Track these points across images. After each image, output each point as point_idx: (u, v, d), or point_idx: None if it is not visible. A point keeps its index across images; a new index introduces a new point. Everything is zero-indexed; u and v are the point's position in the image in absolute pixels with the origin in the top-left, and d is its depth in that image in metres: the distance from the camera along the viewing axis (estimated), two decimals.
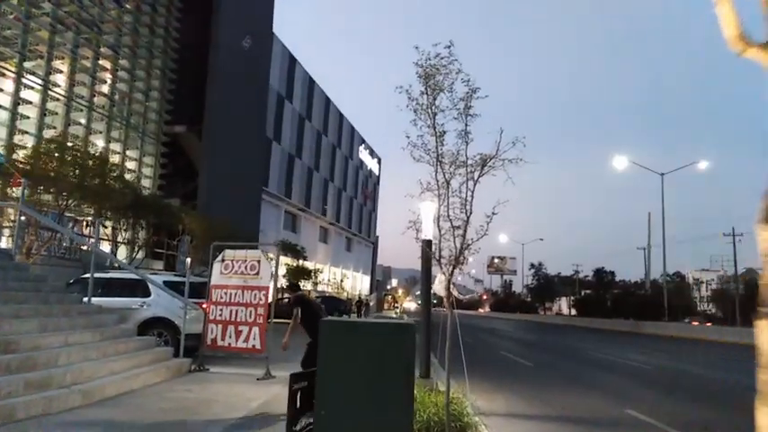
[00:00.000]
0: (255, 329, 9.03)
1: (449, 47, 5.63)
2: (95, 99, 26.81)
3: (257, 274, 9.24)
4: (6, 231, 17.32)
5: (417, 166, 5.74)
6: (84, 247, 19.10)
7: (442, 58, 5.64)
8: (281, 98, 50.37)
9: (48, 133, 23.49)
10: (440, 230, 5.41)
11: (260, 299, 9.11)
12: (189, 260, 22.73)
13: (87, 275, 10.59)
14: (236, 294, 9.25)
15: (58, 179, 14.49)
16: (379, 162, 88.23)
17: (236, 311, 9.19)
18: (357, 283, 77.35)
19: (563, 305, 74.71)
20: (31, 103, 22.95)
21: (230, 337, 9.16)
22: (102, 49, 27.14)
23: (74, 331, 7.83)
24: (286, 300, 24.01)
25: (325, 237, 66.13)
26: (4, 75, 21.75)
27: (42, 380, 6.01)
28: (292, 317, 7.03)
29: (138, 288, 10.75)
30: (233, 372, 9.34)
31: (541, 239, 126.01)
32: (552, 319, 64.28)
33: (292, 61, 52.88)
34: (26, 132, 22.72)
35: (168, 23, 31.87)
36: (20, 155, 15.73)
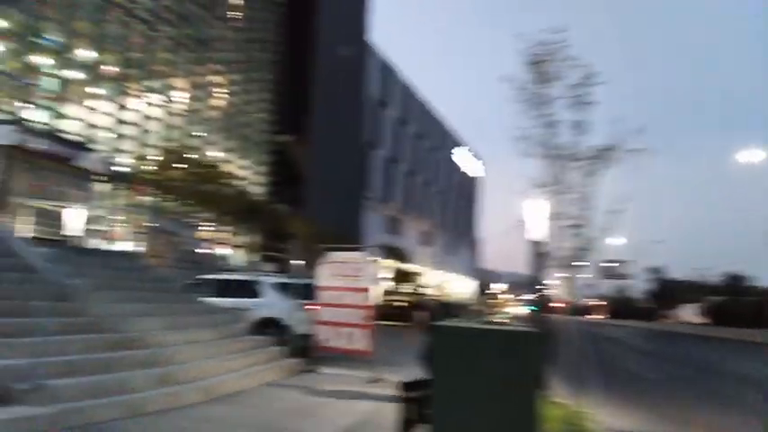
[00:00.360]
0: (361, 331, 8.93)
1: (559, 32, 5.14)
2: (210, 112, 28.65)
3: (361, 275, 9.16)
4: (134, 235, 18.90)
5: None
6: (203, 251, 20.36)
7: (551, 45, 5.17)
8: (380, 103, 51.03)
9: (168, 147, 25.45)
10: (554, 230, 4.92)
11: (364, 300, 9.01)
12: (298, 262, 23.49)
13: (205, 276, 11.09)
14: (341, 296, 9.23)
15: (179, 186, 15.50)
16: (481, 163, 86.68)
17: (343, 313, 9.15)
18: (460, 287, 76.40)
19: (687, 312, 68.55)
20: (154, 118, 24.93)
21: (338, 338, 9.14)
22: (213, 66, 28.96)
23: (194, 329, 8.17)
24: (394, 302, 24.21)
25: (426, 240, 66.01)
26: (129, 93, 23.80)
27: (167, 375, 6.24)
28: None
29: (252, 289, 11.10)
30: (342, 373, 9.31)
31: (661, 242, 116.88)
32: (676, 328, 59.21)
33: (389, 66, 53.41)
34: (151, 146, 24.73)
35: (272, 37, 33.38)
36: (146, 166, 17.14)
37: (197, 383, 6.46)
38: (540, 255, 7.15)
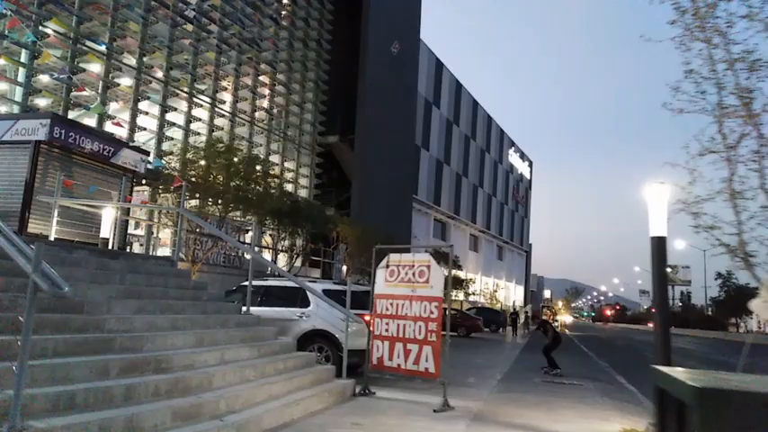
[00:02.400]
0: (427, 349, 7.52)
1: None
2: (256, 114, 27.96)
3: (427, 281, 7.75)
4: (173, 239, 18.17)
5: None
6: (245, 255, 19.44)
7: None
8: (429, 103, 49.60)
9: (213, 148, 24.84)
10: (737, 211, 3.41)
11: (431, 312, 7.59)
12: (345, 268, 22.31)
13: (246, 283, 9.97)
14: (403, 305, 7.85)
15: (223, 188, 14.67)
16: (531, 165, 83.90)
17: (404, 326, 7.78)
18: (510, 294, 73.80)
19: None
20: (201, 120, 24.36)
21: (399, 356, 7.76)
22: (261, 66, 28.28)
23: (231, 346, 6.98)
24: (454, 312, 22.68)
25: (475, 245, 63.95)
26: (177, 95, 23.29)
27: (193, 408, 5.01)
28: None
29: (297, 297, 9.89)
30: (403, 398, 7.93)
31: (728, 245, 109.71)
32: (747, 338, 54.67)
33: (439, 65, 51.94)
34: (197, 148, 24.13)
35: (320, 36, 32.57)
36: (189, 168, 16.40)
37: (231, 418, 5.20)
38: (661, 254, 5.58)
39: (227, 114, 26.07)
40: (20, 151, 10.66)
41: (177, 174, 14.81)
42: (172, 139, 22.74)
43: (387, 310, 8.01)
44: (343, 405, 7.29)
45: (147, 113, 21.72)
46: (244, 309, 8.72)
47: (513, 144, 75.19)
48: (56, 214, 9.98)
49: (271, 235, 22.24)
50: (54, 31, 18.91)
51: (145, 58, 22.00)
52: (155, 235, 21.51)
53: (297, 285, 9.73)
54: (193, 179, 14.67)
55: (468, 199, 59.99)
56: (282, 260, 23.51)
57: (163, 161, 15.47)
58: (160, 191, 16.17)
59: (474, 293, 54.31)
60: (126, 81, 21.32)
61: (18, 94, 18.60)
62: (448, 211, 54.92)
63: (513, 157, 75.47)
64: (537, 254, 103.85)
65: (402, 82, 39.13)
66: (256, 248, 22.82)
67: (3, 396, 3.84)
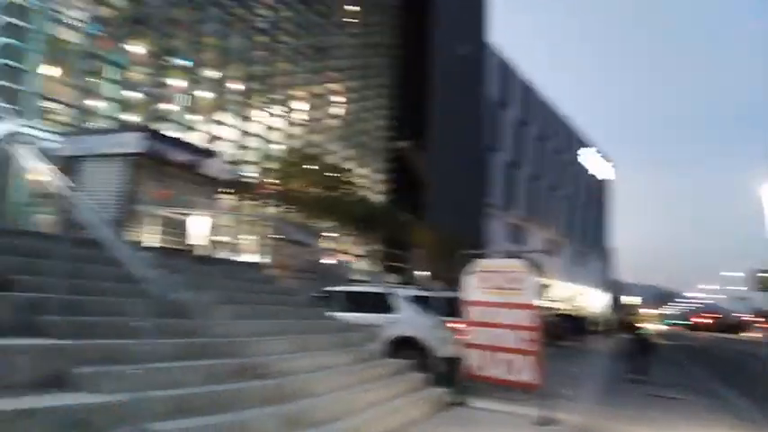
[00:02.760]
0: (526, 359, 7.15)
1: None
2: (329, 121, 28.44)
3: (520, 288, 7.39)
4: (257, 245, 18.65)
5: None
6: (325, 261, 19.64)
7: None
8: (499, 105, 48.64)
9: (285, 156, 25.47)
10: None
11: (527, 320, 7.22)
12: (423, 273, 22.11)
13: (332, 288, 9.99)
14: (497, 313, 7.53)
15: (303, 195, 14.90)
16: (612, 165, 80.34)
17: (499, 335, 7.45)
18: (591, 300, 70.78)
19: None
20: (278, 129, 25.04)
21: (495, 366, 7.44)
22: (332, 74, 28.77)
23: (324, 351, 6.94)
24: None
25: (552, 249, 61.84)
26: (252, 104, 24.06)
27: (298, 414, 4.97)
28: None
29: (383, 303, 9.77)
30: (499, 409, 7.59)
31: None
32: None
33: (507, 66, 50.86)
34: (274, 155, 24.81)
35: (389, 42, 32.72)
36: (269, 176, 16.87)
37: (335, 425, 5.12)
38: None
39: (301, 122, 26.67)
40: (116, 163, 11.26)
41: (263, 181, 15.19)
42: (248, 147, 23.49)
43: (479, 317, 7.71)
44: (439, 415, 7.07)
45: (226, 124, 22.57)
46: (332, 314, 8.70)
47: (591, 142, 72.37)
48: (150, 222, 10.40)
49: (350, 241, 22.39)
50: (140, 49, 20.04)
51: (221, 68, 22.89)
52: (238, 241, 22.24)
53: (383, 291, 9.61)
54: (279, 187, 15.00)
55: (543, 201, 58.26)
56: (361, 265, 23.63)
57: (248, 172, 15.92)
58: (246, 199, 16.64)
59: (553, 300, 52.46)
60: (206, 94, 22.26)
61: (108, 109, 19.87)
62: (522, 214, 53.56)
63: (593, 157, 72.57)
64: (622, 258, 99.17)
65: (472, 85, 38.63)
66: (338, 254, 23.07)
67: (125, 398, 3.92)
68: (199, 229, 10.90)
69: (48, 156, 6.00)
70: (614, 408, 8.83)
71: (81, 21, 18.28)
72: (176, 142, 12.45)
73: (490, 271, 7.74)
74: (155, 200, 10.78)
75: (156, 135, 11.78)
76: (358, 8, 30.88)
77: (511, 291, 7.41)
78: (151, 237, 10.51)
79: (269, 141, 24.61)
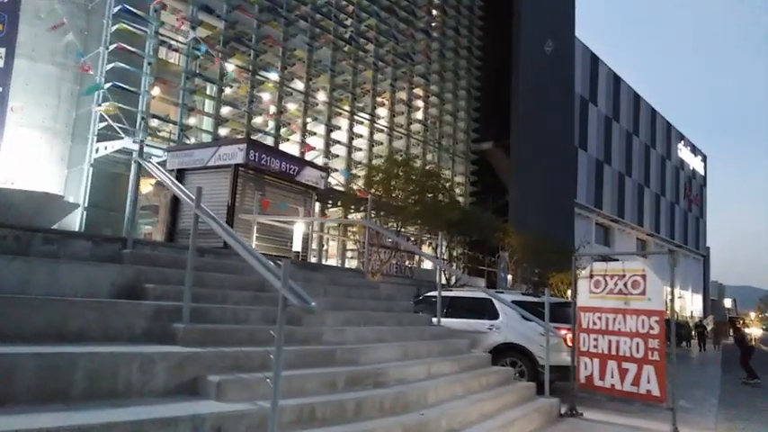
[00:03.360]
0: (649, 369, 6.68)
1: None
2: (411, 126, 28.41)
3: (643, 293, 6.92)
4: (352, 251, 18.91)
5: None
6: (416, 265, 19.59)
7: None
8: (585, 101, 46.66)
9: (375, 163, 25.70)
10: None
11: (650, 327, 6.74)
12: (510, 277, 21.52)
13: (430, 294, 9.87)
14: (614, 320, 7.10)
15: (397, 201, 14.93)
16: (704, 160, 75.00)
17: (617, 343, 7.01)
18: (686, 303, 66.14)
19: None
20: (361, 136, 25.33)
21: (612, 376, 7.01)
22: (414, 79, 28.74)
23: (433, 359, 6.83)
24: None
25: (642, 250, 58.42)
26: (340, 114, 24.49)
27: (420, 426, 4.89)
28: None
29: (485, 308, 9.53)
30: (616, 422, 7.15)
31: None
32: None
33: (594, 60, 48.71)
34: (359, 163, 25.13)
35: (471, 43, 32.29)
36: (362, 182, 17.08)
37: None
38: None
39: (385, 129, 26.82)
40: (222, 174, 11.77)
41: (359, 189, 15.38)
42: (337, 156, 23.89)
43: (594, 324, 7.30)
44: (553, 427, 6.75)
45: (314, 134, 23.10)
46: (434, 320, 8.58)
47: (682, 137, 67.87)
48: (255, 230, 10.76)
49: (448, 247, 22.07)
50: (236, 65, 20.96)
51: (311, 83, 23.48)
52: (324, 247, 22.70)
53: (484, 296, 9.38)
54: (376, 192, 15.11)
55: (632, 200, 55.21)
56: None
57: (350, 172, 16.16)
58: (351, 208, 16.89)
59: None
60: (294, 105, 22.92)
61: (207, 124, 20.91)
62: (611, 214, 51.02)
63: (684, 152, 68.05)
64: (716, 259, 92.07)
65: (557, 81, 37.30)
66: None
67: (253, 407, 3.98)
68: (299, 236, 11.16)
69: (160, 170, 6.29)
70: (744, 422, 8.08)
71: (183, 43, 19.37)
72: (276, 152, 12.86)
73: (605, 275, 7.32)
74: (257, 208, 11.15)
75: (258, 146, 12.21)
76: (441, 12, 30.68)
77: (632, 296, 6.95)
78: (257, 244, 10.88)
79: (354, 149, 24.94)
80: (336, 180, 18.45)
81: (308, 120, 23.13)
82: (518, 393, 7.26)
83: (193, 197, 5.11)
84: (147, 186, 19.83)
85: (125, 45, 17.41)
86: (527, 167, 32.28)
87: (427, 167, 22.62)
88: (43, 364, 3.55)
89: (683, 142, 67.73)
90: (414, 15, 28.70)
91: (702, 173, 74.64)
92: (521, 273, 22.43)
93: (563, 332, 8.39)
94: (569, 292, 28.61)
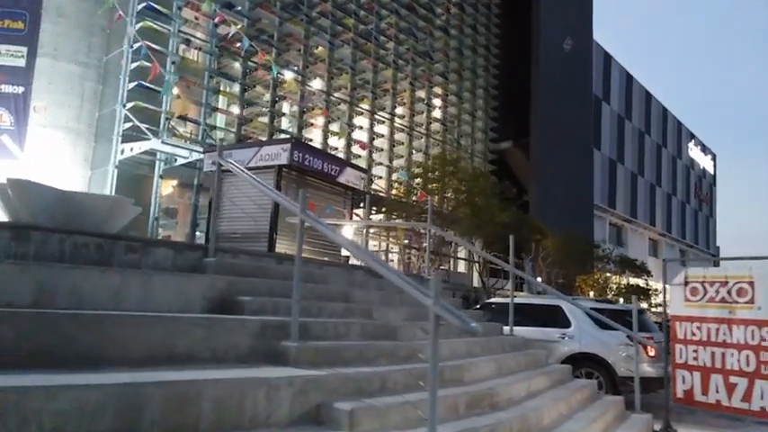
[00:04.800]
0: (763, 384, 6.18)
1: None
2: (431, 126, 27.95)
3: (751, 301, 6.43)
4: (398, 255, 18.40)
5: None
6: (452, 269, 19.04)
7: None
8: (598, 99, 46.19)
9: (396, 163, 25.23)
10: None
11: (762, 338, 6.25)
12: (539, 279, 21.02)
13: (494, 300, 9.37)
14: (717, 330, 6.61)
15: (448, 201, 14.46)
16: (714, 159, 74.51)
17: (723, 355, 6.52)
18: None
19: None
20: (382, 136, 24.86)
21: (717, 391, 6.52)
22: (434, 77, 28.28)
23: (524, 373, 6.35)
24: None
25: (654, 250, 57.96)
26: (362, 114, 24.01)
27: None
28: None
29: (555, 316, 9.03)
30: None
31: None
32: None
33: (607, 58, 48.24)
34: (380, 164, 24.65)
35: (488, 41, 31.83)
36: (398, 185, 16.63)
37: None
38: None
39: (405, 128, 26.35)
40: (264, 175, 11.24)
41: (420, 189, 14.81)
42: (359, 156, 23.41)
43: (693, 335, 6.81)
44: None
45: (336, 134, 22.64)
46: (505, 329, 8.09)
47: (692, 136, 67.42)
48: (306, 234, 10.23)
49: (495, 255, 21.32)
50: (258, 64, 20.46)
51: (333, 81, 23.02)
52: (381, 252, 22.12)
53: (551, 303, 8.89)
54: (435, 194, 14.58)
55: (644, 200, 54.76)
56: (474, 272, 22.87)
57: (407, 173, 15.57)
58: (394, 215, 16.33)
59: (659, 305, 49.02)
60: (319, 104, 22.45)
61: (221, 122, 20.38)
62: (623, 213, 50.57)
63: (694, 151, 67.59)
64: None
65: (575, 80, 36.86)
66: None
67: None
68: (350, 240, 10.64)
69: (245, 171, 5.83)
70: None
71: (205, 41, 18.89)
72: (319, 152, 12.39)
73: (704, 282, 6.83)
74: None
75: (302, 146, 11.74)
76: (459, 9, 30.20)
77: (738, 305, 6.46)
78: (303, 248, 10.39)
79: (375, 149, 24.48)
80: (407, 175, 17.72)
81: (330, 119, 22.67)
82: (612, 410, 6.77)
83: (296, 204, 4.64)
84: (167, 188, 19.34)
85: (150, 43, 16.94)
86: (547, 167, 31.82)
87: (474, 168, 21.85)
88: (170, 393, 3.06)
89: (693, 141, 67.30)
90: (432, 12, 28.25)
91: (712, 172, 74.17)
92: (553, 276, 21.91)
93: (645, 342, 7.90)
94: (591, 293, 28.17)
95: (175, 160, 16.98)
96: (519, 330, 8.78)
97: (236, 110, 20.12)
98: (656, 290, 46.92)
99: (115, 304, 4.09)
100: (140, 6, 17.08)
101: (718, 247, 77.71)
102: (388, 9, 25.53)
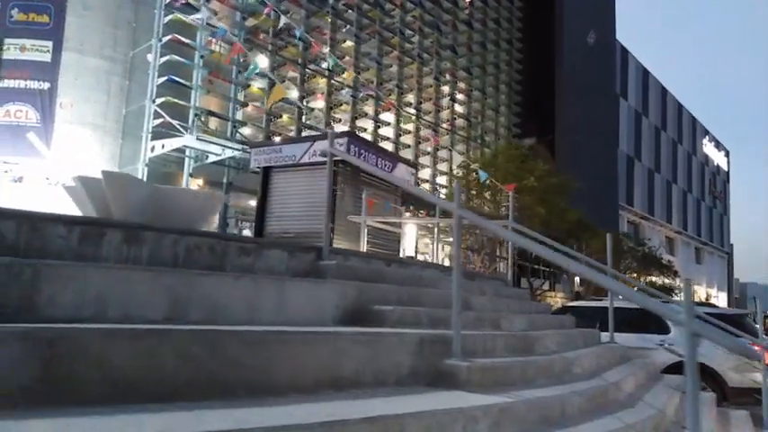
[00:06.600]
0: None
1: None
2: (456, 122, 27.30)
3: None
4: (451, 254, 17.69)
5: None
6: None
7: None
8: (616, 95, 45.50)
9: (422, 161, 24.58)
10: None
11: None
12: (577, 280, 20.34)
13: (577, 304, 8.70)
14: None
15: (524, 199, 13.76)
16: (728, 155, 73.75)
17: None
18: (712, 302, 64.86)
19: None
20: (409, 132, 24.21)
21: None
22: (457, 72, 27.63)
23: (655, 388, 5.68)
24: None
25: (670, 248, 57.21)
26: (389, 110, 23.35)
27: None
28: None
29: (649, 321, 8.36)
30: None
31: None
32: None
33: (624, 53, 47.52)
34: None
35: (511, 35, 31.16)
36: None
37: None
38: None
39: (431, 124, 25.72)
40: (317, 172, 10.62)
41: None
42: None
43: None
44: None
45: (365, 130, 22.00)
46: (603, 336, 7.41)
47: (706, 132, 66.67)
48: (365, 233, 9.60)
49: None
50: (285, 57, 19.81)
51: (360, 75, 22.38)
52: (421, 251, 21.47)
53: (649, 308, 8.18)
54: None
55: (661, 197, 54.06)
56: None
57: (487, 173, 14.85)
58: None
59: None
60: (348, 98, 21.83)
61: (261, 119, 19.71)
62: (641, 211, 49.88)
63: (708, 147, 66.85)
64: (739, 256, 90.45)
65: (598, 75, 36.16)
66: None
67: None
68: (412, 239, 10.01)
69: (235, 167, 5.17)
70: None
71: (234, 34, 18.22)
72: (373, 147, 11.73)
73: None
74: (357, 209, 10.01)
75: (358, 140, 11.08)
76: (483, 3, 29.55)
77: None
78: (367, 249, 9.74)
79: (401, 146, 23.83)
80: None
81: (357, 115, 22.05)
82: (741, 426, 6.12)
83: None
84: (194, 187, 18.68)
85: (179, 36, 16.31)
86: (572, 165, 31.10)
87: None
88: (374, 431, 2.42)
89: (707, 137, 66.58)
90: (456, 5, 27.60)
91: (726, 168, 73.43)
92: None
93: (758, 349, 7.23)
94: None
95: (206, 157, 16.32)
96: (607, 336, 8.13)
97: (259, 106, 19.45)
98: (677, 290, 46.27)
99: (249, 316, 3.44)
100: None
101: (732, 245, 76.95)
102: (413, 2, 24.91)
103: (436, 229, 10.86)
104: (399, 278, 5.05)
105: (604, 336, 7.49)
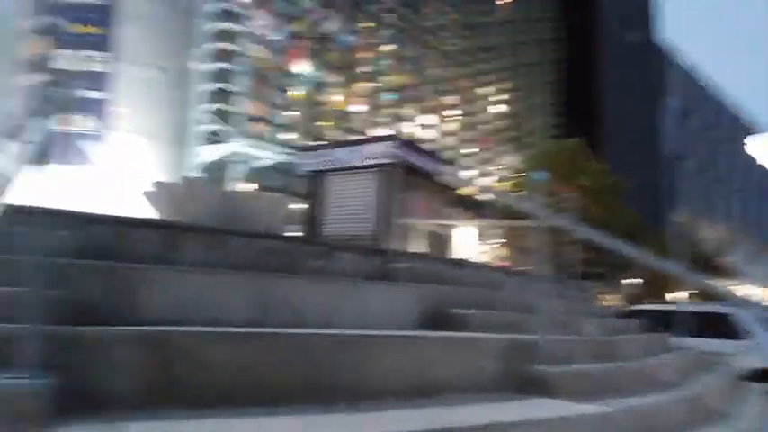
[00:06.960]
0: None
1: None
2: (497, 123, 27.00)
3: None
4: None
5: None
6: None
7: None
8: (661, 93, 44.13)
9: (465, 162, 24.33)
10: None
11: None
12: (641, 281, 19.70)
13: (645, 307, 8.35)
14: None
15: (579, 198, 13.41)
16: None
17: None
18: None
19: None
20: (454, 134, 24.05)
21: None
22: (497, 74, 27.35)
23: (738, 399, 5.35)
24: None
25: (722, 248, 54.90)
26: (434, 111, 23.26)
27: None
28: None
29: (724, 326, 7.93)
30: None
31: None
32: None
33: (668, 50, 46.04)
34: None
35: (554, 37, 30.66)
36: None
37: None
38: None
39: (474, 125, 25.50)
40: (369, 175, 10.55)
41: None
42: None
43: None
44: None
45: (410, 133, 21.96)
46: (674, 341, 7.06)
47: (760, 129, 63.90)
48: (421, 236, 9.47)
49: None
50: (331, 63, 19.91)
51: (399, 78, 22.37)
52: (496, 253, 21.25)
53: (719, 311, 7.81)
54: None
55: (712, 196, 52.04)
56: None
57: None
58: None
59: None
60: (389, 99, 21.82)
61: (303, 124, 19.87)
62: (689, 211, 48.14)
63: (754, 145, 64.00)
64: None
65: (640, 73, 35.18)
66: None
67: None
68: (463, 241, 9.85)
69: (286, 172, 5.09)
70: None
71: (278, 41, 18.49)
72: (423, 150, 11.60)
73: None
74: (411, 212, 9.88)
75: (407, 143, 10.98)
76: (521, 6, 29.23)
77: None
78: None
79: (443, 148, 23.68)
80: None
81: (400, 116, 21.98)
82: None
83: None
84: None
85: (224, 45, 16.60)
86: (618, 165, 30.32)
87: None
88: None
89: (762, 135, 63.82)
90: (496, 8, 27.35)
91: None
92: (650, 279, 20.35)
93: None
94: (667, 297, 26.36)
95: (257, 162, 16.59)
96: (680, 342, 7.76)
97: (300, 112, 19.61)
98: None
99: (329, 319, 3.37)
100: (211, 8, 16.77)
101: None
102: (452, 4, 24.81)
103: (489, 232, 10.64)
104: (470, 281, 4.91)
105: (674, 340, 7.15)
